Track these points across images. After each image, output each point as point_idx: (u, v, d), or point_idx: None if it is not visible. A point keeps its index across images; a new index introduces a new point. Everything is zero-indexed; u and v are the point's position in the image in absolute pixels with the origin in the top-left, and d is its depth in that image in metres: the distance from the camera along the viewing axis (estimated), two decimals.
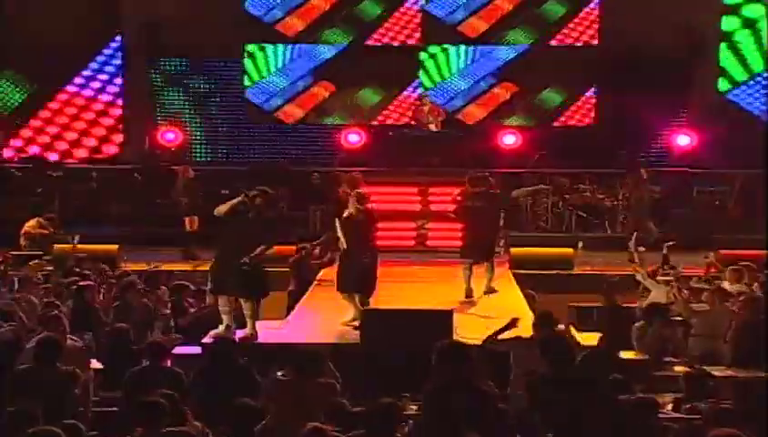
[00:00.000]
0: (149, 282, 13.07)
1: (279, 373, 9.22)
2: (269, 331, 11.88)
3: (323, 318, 12.87)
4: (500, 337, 9.10)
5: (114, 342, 10.52)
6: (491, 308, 13.51)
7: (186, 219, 18.38)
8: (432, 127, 20.43)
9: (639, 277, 13.35)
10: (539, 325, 8.98)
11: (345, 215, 12.54)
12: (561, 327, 10.42)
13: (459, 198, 14.68)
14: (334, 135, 22.92)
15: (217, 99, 23.58)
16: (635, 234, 16.15)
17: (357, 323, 11.80)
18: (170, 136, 22.79)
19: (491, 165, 21.28)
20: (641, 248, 14.71)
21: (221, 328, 11.51)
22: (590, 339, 11.37)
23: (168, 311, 12.43)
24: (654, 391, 9.07)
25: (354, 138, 22.40)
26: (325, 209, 19.45)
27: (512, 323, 9.14)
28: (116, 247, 16.84)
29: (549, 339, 7.41)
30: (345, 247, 12.58)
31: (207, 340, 11.12)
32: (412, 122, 20.71)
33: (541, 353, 7.25)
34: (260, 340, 11.48)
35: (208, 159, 23.35)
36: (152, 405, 7.04)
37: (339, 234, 12.64)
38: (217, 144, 23.68)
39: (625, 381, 8.26)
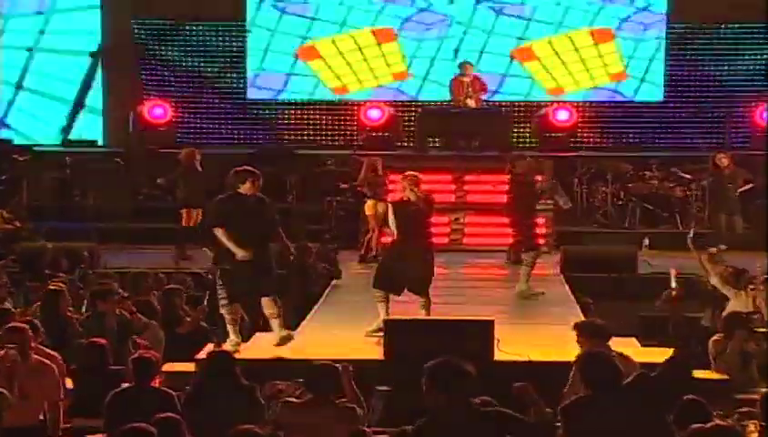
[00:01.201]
0: (133, 286, 13.12)
1: (277, 382, 9.29)
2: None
3: (341, 328, 12.90)
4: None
5: (87, 359, 10.52)
6: (539, 315, 13.54)
7: (183, 212, 18.09)
8: (471, 103, 20.41)
9: (714, 281, 13.29)
10: (585, 339, 8.91)
11: (402, 200, 12.56)
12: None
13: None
14: (351, 113, 22.97)
15: (216, 69, 23.59)
16: (693, 229, 16.09)
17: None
18: (158, 111, 22.72)
19: (542, 147, 21.35)
20: (723, 247, 14.65)
21: (230, 338, 11.61)
22: (656, 354, 11.34)
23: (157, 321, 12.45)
24: (736, 417, 9.05)
25: (375, 114, 22.32)
26: (341, 201, 19.49)
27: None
28: (93, 244, 16.90)
29: (588, 355, 7.36)
30: (395, 237, 12.60)
31: (202, 355, 11.14)
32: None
33: (579, 372, 7.19)
34: (267, 355, 11.51)
35: (202, 141, 23.34)
36: (139, 433, 7.06)
37: (390, 222, 12.60)
38: (214, 122, 23.66)
39: (701, 405, 8.24)
